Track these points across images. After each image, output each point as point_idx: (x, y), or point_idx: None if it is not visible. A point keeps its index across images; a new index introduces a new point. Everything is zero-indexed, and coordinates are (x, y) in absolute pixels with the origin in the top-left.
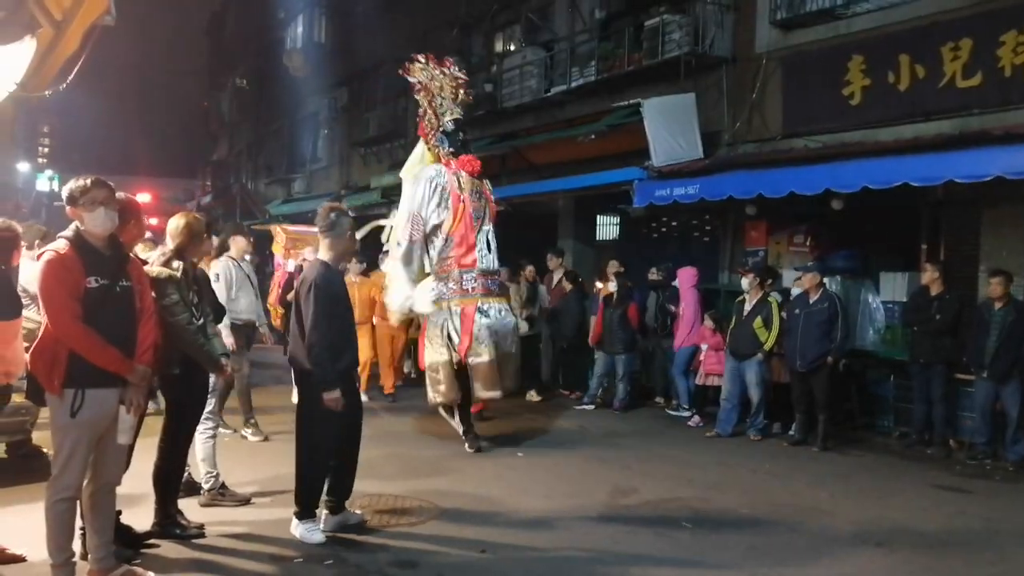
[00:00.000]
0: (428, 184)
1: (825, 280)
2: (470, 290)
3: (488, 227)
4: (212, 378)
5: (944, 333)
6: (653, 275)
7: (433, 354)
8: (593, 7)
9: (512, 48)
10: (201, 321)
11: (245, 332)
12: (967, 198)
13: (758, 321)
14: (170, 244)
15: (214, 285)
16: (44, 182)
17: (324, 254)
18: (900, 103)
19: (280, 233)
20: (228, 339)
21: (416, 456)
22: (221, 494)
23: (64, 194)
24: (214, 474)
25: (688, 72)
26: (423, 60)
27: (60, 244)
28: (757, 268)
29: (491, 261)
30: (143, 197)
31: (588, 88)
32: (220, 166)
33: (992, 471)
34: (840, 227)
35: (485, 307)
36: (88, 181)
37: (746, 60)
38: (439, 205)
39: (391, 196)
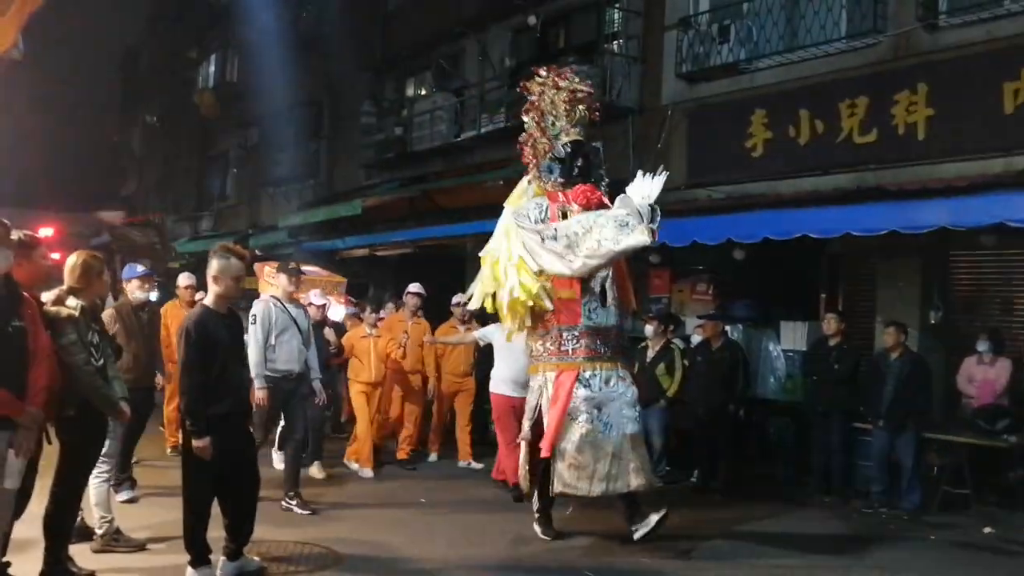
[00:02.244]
0: (526, 221)
1: (727, 328)
2: (570, 352)
3: (606, 272)
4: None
5: (842, 382)
6: None
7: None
8: (503, 55)
9: (423, 93)
10: (101, 362)
11: (284, 386)
12: (864, 250)
13: (661, 368)
14: (66, 282)
15: (248, 327)
16: None
17: (209, 297)
18: (800, 157)
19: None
20: (259, 392)
21: (320, 501)
22: (115, 539)
23: None
24: (108, 519)
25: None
26: (544, 74)
27: None
28: (660, 315)
29: (605, 316)
30: (46, 231)
31: (497, 134)
32: (128, 202)
33: (888, 520)
34: (742, 276)
35: (587, 374)
36: None
37: (652, 111)
38: None
39: (298, 236)
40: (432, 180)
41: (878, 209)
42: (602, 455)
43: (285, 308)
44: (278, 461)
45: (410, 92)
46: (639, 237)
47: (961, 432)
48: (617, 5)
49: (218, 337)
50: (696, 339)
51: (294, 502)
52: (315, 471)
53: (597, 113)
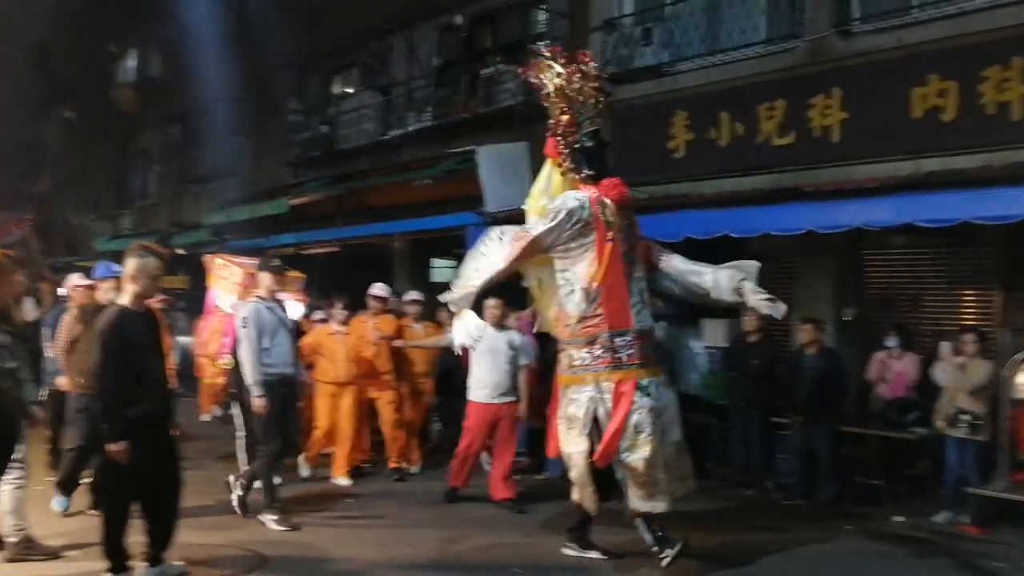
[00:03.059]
0: (566, 215)
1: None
2: (625, 359)
3: (641, 273)
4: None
5: (761, 378)
6: None
7: (567, 442)
8: (430, 54)
9: (350, 90)
10: (13, 365)
11: (280, 390)
12: (782, 249)
13: None
14: None
15: (240, 332)
16: None
17: (125, 296)
18: (721, 158)
19: (228, 266)
20: (258, 401)
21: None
22: (28, 547)
23: None
24: (22, 527)
25: (522, 121)
26: (549, 54)
27: None
28: None
29: (647, 318)
30: None
31: (424, 133)
32: (43, 199)
33: (805, 511)
34: None
35: (646, 383)
36: None
37: None
38: (576, 242)
39: (223, 235)
40: (359, 178)
41: (795, 209)
42: (668, 465)
43: (272, 308)
44: None
45: (336, 89)
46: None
47: (873, 425)
48: (543, 6)
49: (136, 337)
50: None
51: (272, 516)
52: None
53: (610, 100)
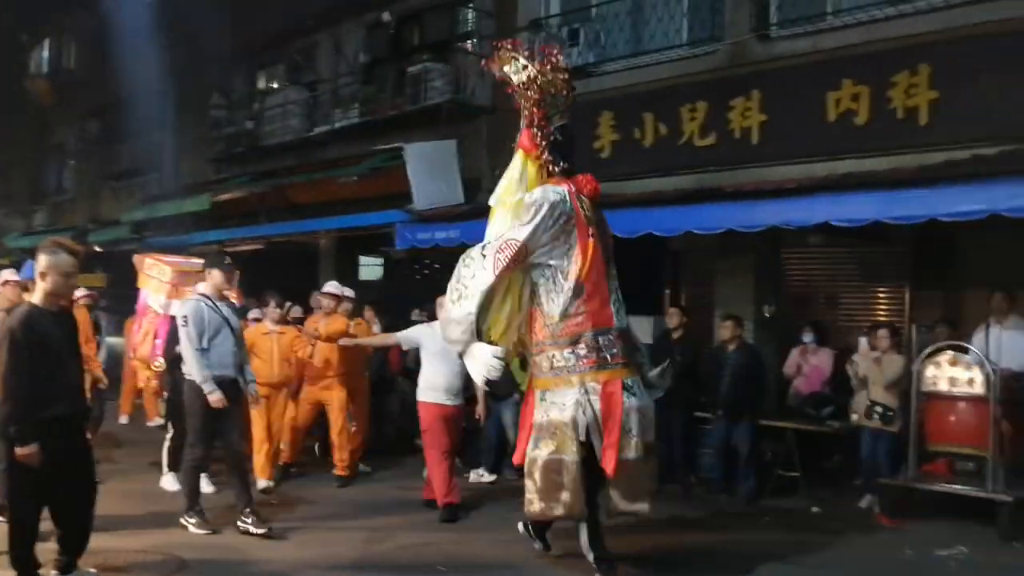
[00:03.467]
0: (548, 210)
1: None
2: (610, 359)
3: (615, 271)
4: None
5: (684, 375)
6: (416, 316)
7: (555, 450)
8: (357, 51)
9: (275, 86)
10: None
11: (220, 391)
12: (704, 248)
13: (516, 362)
14: None
15: (180, 331)
16: None
17: (36, 294)
18: (645, 158)
19: (158, 265)
20: (212, 396)
21: (162, 505)
22: None
23: None
24: None
25: (449, 119)
26: (516, 49)
27: None
28: None
29: (624, 317)
30: None
31: (351, 130)
32: None
33: (727, 504)
34: None
35: (631, 382)
36: None
37: (505, 110)
38: (559, 239)
39: (143, 232)
40: (284, 175)
41: (716, 209)
42: (647, 468)
43: (217, 307)
44: (170, 483)
45: (261, 85)
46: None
47: (791, 419)
48: (470, 5)
49: (48, 336)
50: None
51: (249, 520)
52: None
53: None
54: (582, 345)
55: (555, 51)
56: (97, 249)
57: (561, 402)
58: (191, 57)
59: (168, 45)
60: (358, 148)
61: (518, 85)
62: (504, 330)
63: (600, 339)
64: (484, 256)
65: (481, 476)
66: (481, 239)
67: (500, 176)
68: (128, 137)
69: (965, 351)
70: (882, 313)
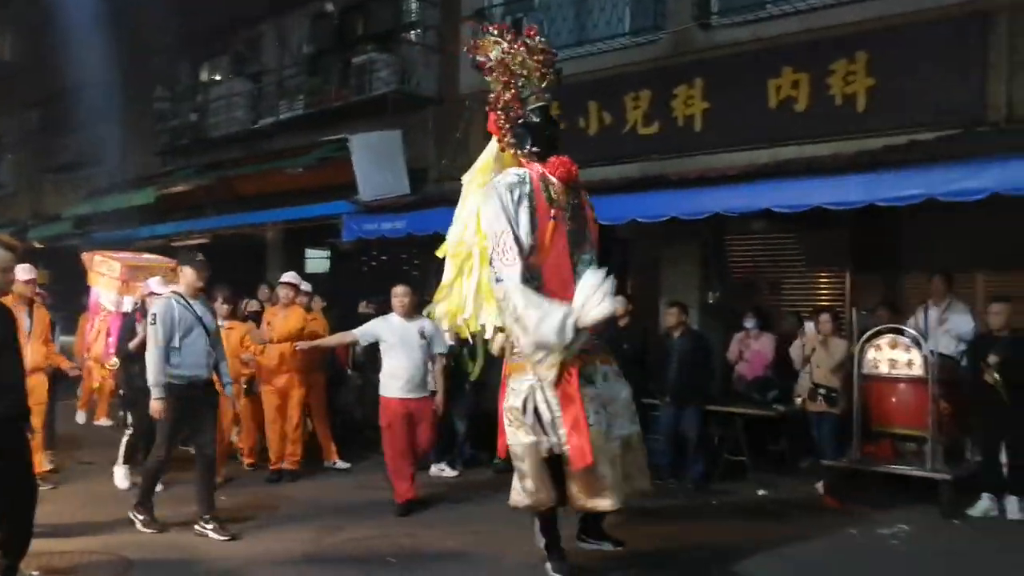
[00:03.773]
0: (509, 194)
1: None
2: None
3: (589, 255)
4: None
5: (632, 362)
6: (364, 308)
7: (514, 436)
8: (301, 42)
9: (219, 78)
10: None
11: (190, 394)
12: (649, 236)
13: (464, 352)
14: None
15: (148, 329)
16: None
17: None
18: (590, 147)
19: (107, 262)
20: (155, 404)
21: (111, 507)
22: None
23: None
24: None
25: (395, 109)
26: (495, 31)
27: None
28: None
29: None
30: None
31: (296, 121)
32: None
33: (675, 490)
34: None
35: (589, 371)
36: None
37: (451, 100)
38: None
39: (86, 226)
40: (230, 167)
41: (661, 197)
42: (614, 461)
43: (189, 305)
44: (121, 478)
45: (205, 76)
46: (543, 371)
47: (737, 404)
48: None
49: None
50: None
51: (209, 526)
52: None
53: (559, 76)
54: None
55: (532, 31)
56: (37, 245)
57: (518, 388)
58: (134, 48)
59: (110, 35)
60: (304, 139)
61: (488, 68)
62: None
63: None
64: (499, 279)
65: (443, 471)
66: (427, 229)
67: (447, 166)
68: (70, 129)
69: (903, 333)
70: (824, 297)
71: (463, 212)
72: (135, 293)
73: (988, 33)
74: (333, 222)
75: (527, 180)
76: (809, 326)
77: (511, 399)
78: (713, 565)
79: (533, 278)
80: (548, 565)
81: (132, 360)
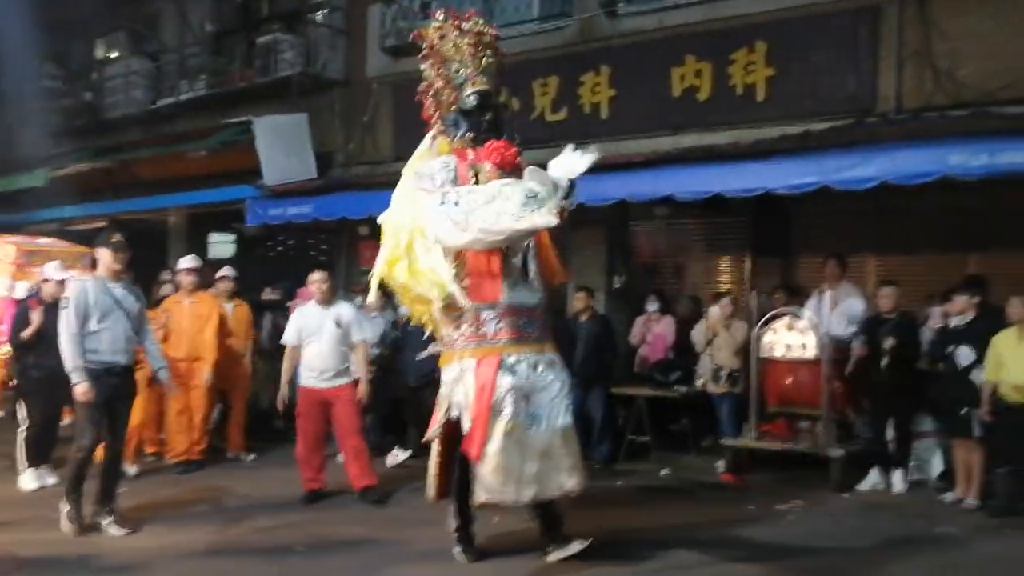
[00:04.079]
0: (428, 180)
1: None
2: (490, 335)
3: (528, 242)
4: None
5: None
6: (268, 295)
7: (434, 424)
8: (204, 20)
9: (116, 55)
10: None
11: (110, 382)
12: None
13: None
14: None
15: (61, 313)
16: None
17: None
18: None
19: (0, 247)
20: (79, 388)
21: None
22: None
23: None
24: None
25: (301, 92)
26: (441, 17)
27: None
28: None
29: (528, 292)
30: None
31: (199, 102)
32: None
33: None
34: None
35: (512, 360)
36: None
37: (358, 83)
38: None
39: None
40: (129, 150)
41: None
42: (531, 453)
43: (107, 289)
44: (29, 480)
45: (100, 54)
46: (545, 218)
47: (641, 386)
48: None
49: None
50: (404, 311)
51: (109, 520)
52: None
53: (503, 56)
54: (464, 321)
55: (466, 16)
56: None
57: (445, 378)
58: (22, 23)
59: None
60: (207, 121)
61: (425, 54)
62: None
63: (483, 314)
64: (442, 203)
65: (396, 457)
66: (335, 214)
67: (354, 150)
68: None
69: (799, 317)
70: (725, 281)
71: (401, 194)
72: (30, 279)
73: (879, 25)
74: (237, 207)
75: (452, 166)
76: (713, 309)
77: (441, 388)
78: (615, 545)
79: (457, 269)
80: (456, 549)
81: (26, 350)
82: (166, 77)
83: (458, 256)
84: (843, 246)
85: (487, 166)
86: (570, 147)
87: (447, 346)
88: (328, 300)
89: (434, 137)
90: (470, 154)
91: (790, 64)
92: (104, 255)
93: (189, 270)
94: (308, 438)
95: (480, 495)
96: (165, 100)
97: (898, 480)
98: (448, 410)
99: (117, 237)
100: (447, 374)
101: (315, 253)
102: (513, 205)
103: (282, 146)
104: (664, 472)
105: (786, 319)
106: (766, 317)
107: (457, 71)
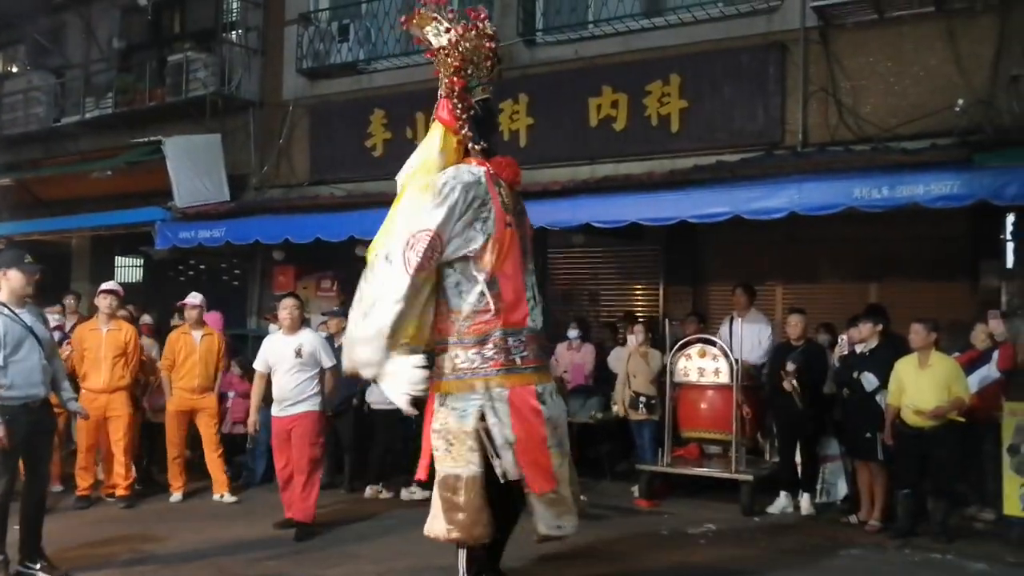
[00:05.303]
0: (462, 192)
1: None
2: (519, 362)
3: (532, 266)
4: None
5: None
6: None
7: (451, 463)
8: (111, 35)
9: (15, 70)
10: None
11: (25, 417)
12: None
13: None
14: None
15: None
16: None
17: None
18: None
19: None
20: None
21: None
22: None
23: None
24: None
25: (214, 112)
26: (434, 7)
27: None
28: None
29: (539, 317)
30: None
31: (105, 121)
32: None
33: None
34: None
35: (540, 389)
36: None
37: (274, 105)
38: (473, 226)
39: None
40: (29, 168)
41: None
42: (569, 481)
43: (17, 316)
44: None
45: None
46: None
47: None
48: None
49: None
50: (323, 335)
51: (37, 566)
52: None
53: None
54: (489, 345)
55: (482, 15)
56: None
57: (462, 408)
58: None
59: None
60: (113, 140)
61: (438, 50)
62: (417, 328)
63: (510, 339)
64: (390, 261)
65: (413, 493)
66: (248, 238)
67: (268, 173)
68: None
69: (712, 343)
70: (640, 308)
71: (399, 214)
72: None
73: (786, 62)
74: (146, 229)
75: (482, 180)
76: (632, 338)
77: (451, 420)
78: (527, 572)
79: (488, 290)
80: None
81: None
82: (70, 94)
83: (491, 278)
84: (752, 274)
85: (503, 184)
86: (406, 368)
87: (465, 372)
88: (294, 328)
89: (459, 143)
90: (486, 166)
91: (703, 97)
92: (14, 277)
93: (107, 292)
94: (277, 466)
95: (542, 529)
96: (69, 118)
97: (805, 503)
98: (487, 440)
99: (28, 257)
100: (467, 402)
101: (227, 278)
102: (360, 333)
103: (194, 167)
104: (582, 499)
105: (699, 345)
106: (680, 343)
107: (471, 74)
